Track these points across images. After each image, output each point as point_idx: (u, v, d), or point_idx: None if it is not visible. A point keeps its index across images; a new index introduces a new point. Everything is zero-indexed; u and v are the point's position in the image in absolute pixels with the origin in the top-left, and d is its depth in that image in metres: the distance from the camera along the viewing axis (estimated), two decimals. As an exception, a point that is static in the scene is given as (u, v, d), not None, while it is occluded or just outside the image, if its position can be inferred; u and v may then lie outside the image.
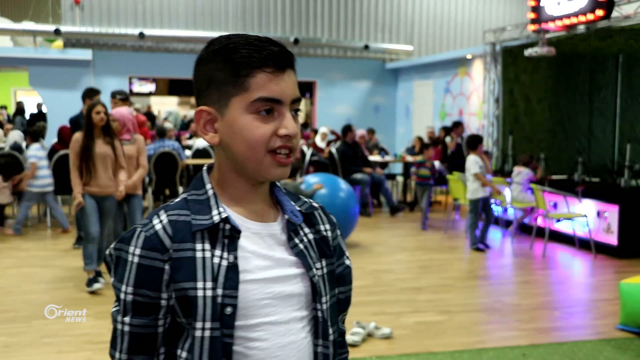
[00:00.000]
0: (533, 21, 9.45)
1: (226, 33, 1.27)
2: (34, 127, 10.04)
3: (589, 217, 7.76)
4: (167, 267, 1.18)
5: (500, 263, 7.33)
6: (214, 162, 1.31)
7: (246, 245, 1.22)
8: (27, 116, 16.48)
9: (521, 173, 8.47)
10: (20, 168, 8.66)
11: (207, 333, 1.17)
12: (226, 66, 1.20)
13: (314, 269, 1.28)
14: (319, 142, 11.81)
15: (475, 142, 7.95)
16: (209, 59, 1.23)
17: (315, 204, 1.38)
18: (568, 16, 8.71)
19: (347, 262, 1.42)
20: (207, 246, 1.20)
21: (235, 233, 1.21)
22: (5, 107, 18.23)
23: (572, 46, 10.01)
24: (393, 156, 12.87)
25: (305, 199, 1.37)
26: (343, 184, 8.13)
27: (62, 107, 13.15)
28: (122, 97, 6.92)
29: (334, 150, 10.74)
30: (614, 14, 8.18)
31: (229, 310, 1.18)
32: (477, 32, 15.46)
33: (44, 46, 13.92)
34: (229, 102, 1.21)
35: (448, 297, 5.93)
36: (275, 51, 1.20)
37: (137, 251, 1.19)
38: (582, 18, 8.48)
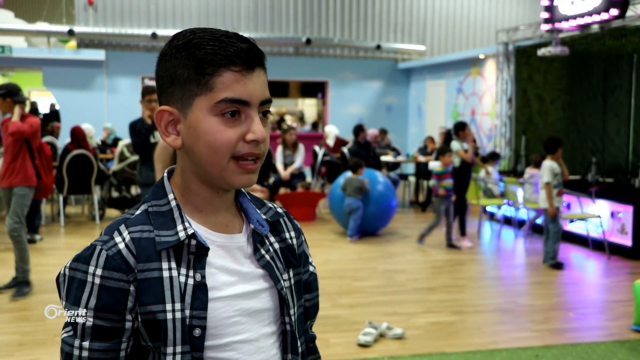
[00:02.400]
0: (546, 21, 9.40)
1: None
2: (47, 127, 10.09)
3: (602, 217, 7.70)
4: (132, 288, 1.10)
5: (513, 264, 7.29)
6: (175, 167, 1.22)
7: (212, 260, 1.15)
8: (41, 116, 16.55)
9: (534, 176, 8.40)
10: None
11: (178, 358, 1.10)
12: (190, 63, 1.11)
13: (282, 281, 1.23)
14: (329, 141, 11.81)
15: (554, 145, 7.03)
16: (172, 54, 1.13)
17: (280, 210, 1.31)
18: (582, 15, 8.66)
19: (312, 268, 1.37)
20: (173, 264, 1.12)
21: (202, 250, 1.14)
22: None
23: (586, 46, 9.95)
24: (405, 156, 12.84)
25: (271, 205, 1.30)
26: (381, 177, 8.47)
27: (75, 107, 13.27)
28: (1, 93, 5.46)
29: (345, 150, 10.73)
30: (629, 13, 8.12)
31: (197, 332, 1.11)
32: (490, 32, 15.41)
33: (58, 47, 14.02)
34: (192, 102, 1.12)
35: (461, 297, 5.91)
36: (243, 48, 1.11)
37: (99, 271, 1.09)
38: (596, 17, 8.42)
